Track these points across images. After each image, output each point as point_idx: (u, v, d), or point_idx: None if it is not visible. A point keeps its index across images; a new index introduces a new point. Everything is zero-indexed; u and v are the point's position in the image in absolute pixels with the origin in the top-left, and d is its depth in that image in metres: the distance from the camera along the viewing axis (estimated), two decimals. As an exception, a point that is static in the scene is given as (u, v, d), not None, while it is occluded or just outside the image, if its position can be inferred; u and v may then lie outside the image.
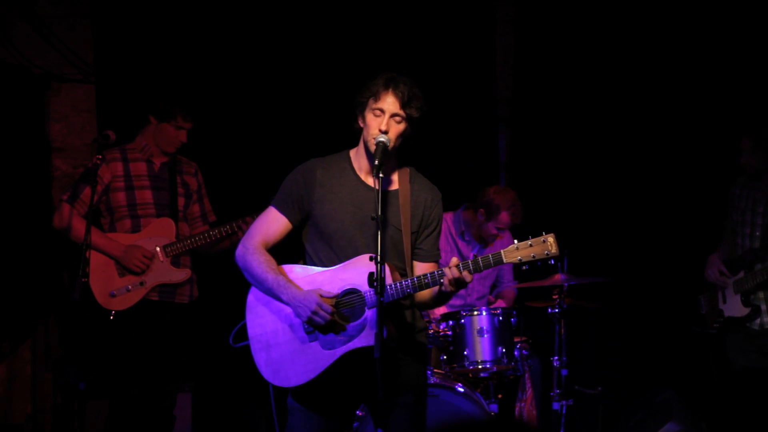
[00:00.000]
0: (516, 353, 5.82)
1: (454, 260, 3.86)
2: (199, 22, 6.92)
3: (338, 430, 4.07)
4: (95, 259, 5.55)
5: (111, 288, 5.65)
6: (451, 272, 3.83)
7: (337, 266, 3.98)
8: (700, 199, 6.62)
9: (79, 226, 5.62)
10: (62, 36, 6.80)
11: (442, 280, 3.85)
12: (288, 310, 3.97)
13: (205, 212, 6.01)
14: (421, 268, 4.10)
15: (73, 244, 5.67)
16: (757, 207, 5.57)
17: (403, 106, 3.95)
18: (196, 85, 6.80)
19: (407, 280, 3.88)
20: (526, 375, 6.06)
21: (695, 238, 6.43)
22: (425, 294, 4.02)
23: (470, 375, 5.76)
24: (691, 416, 5.73)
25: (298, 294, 3.92)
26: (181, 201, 5.88)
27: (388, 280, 3.86)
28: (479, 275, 6.37)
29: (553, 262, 3.83)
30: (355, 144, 4.11)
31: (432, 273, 3.88)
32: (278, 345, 4.01)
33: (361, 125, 4.03)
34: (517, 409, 6.13)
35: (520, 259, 3.81)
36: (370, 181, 4.05)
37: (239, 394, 6.80)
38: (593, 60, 7.16)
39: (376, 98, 3.95)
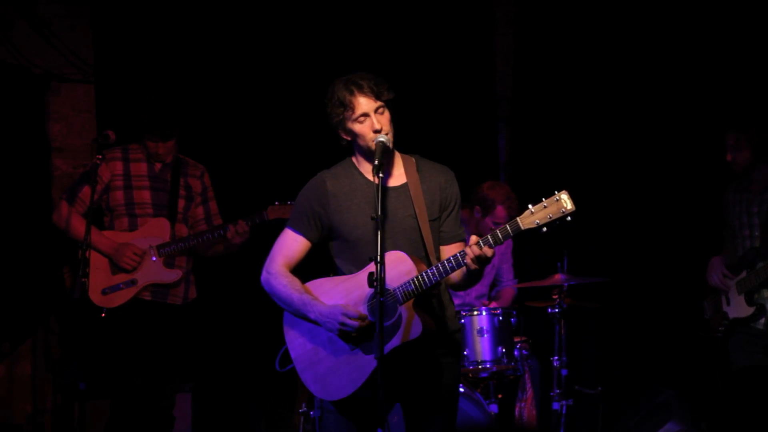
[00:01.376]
0: (516, 353, 5.82)
1: (474, 238, 3.81)
2: (199, 22, 6.92)
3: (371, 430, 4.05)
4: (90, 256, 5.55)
5: (103, 285, 5.65)
6: (472, 251, 3.77)
7: (360, 271, 3.95)
8: (700, 198, 6.62)
9: (77, 225, 5.63)
10: (62, 36, 6.80)
11: (465, 260, 3.79)
12: None
13: (210, 215, 5.99)
14: (447, 251, 4.04)
15: (73, 242, 5.68)
16: (751, 207, 5.58)
17: (378, 97, 3.92)
18: (196, 85, 6.80)
19: (432, 268, 3.83)
20: (526, 375, 6.06)
21: (695, 238, 6.44)
22: (456, 276, 3.96)
23: (470, 375, 5.76)
24: (691, 416, 5.73)
25: (324, 310, 3.91)
26: (181, 203, 5.87)
27: (413, 273, 3.84)
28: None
29: (570, 219, 3.72)
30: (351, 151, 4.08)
31: (455, 256, 3.82)
32: (321, 360, 3.98)
33: (348, 138, 4.00)
34: (517, 409, 6.13)
35: (537, 223, 3.71)
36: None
37: (239, 394, 6.81)
38: (593, 60, 7.16)
39: (351, 108, 3.91)
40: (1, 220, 6.49)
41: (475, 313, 5.76)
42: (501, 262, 6.51)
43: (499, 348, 5.72)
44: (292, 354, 4.07)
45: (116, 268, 5.69)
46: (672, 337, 6.65)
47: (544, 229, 3.73)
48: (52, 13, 6.81)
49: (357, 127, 3.94)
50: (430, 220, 4.00)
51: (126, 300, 5.67)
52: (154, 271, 5.73)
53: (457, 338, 4.10)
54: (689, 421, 5.68)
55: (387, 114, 3.96)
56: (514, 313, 5.87)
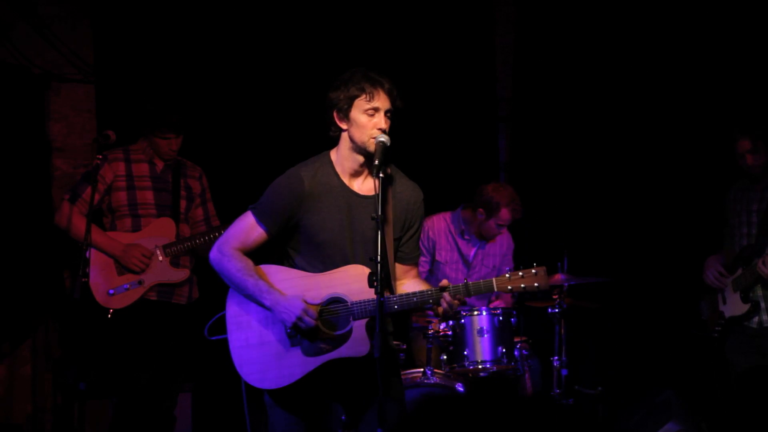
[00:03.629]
0: (516, 353, 5.82)
1: (444, 282, 3.86)
2: (199, 23, 6.91)
3: (317, 427, 4.06)
4: (95, 257, 5.56)
5: (110, 286, 5.65)
6: (445, 300, 3.83)
7: (322, 273, 3.95)
8: (699, 198, 6.62)
9: (79, 225, 5.62)
10: (62, 36, 6.80)
11: (435, 304, 3.86)
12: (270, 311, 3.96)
13: (208, 216, 6.00)
14: (401, 270, 4.07)
15: (74, 243, 5.68)
16: (751, 206, 5.58)
17: (393, 102, 3.95)
18: (196, 85, 6.80)
19: (396, 297, 3.87)
20: (527, 375, 6.06)
21: (695, 238, 6.44)
22: None
23: (470, 375, 5.76)
24: (691, 416, 5.73)
25: (282, 299, 3.90)
26: (182, 203, 5.88)
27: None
28: (478, 275, 6.39)
29: (539, 295, 3.87)
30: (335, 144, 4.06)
31: (422, 293, 3.86)
32: (258, 346, 3.98)
33: (344, 126, 3.97)
34: (517, 409, 6.12)
35: (510, 288, 3.84)
36: (354, 185, 4.01)
37: (239, 394, 6.79)
38: (593, 60, 7.17)
39: (370, 97, 3.91)
40: (1, 220, 6.48)
41: (476, 313, 5.77)
42: (502, 264, 6.51)
43: (500, 348, 5.72)
44: (229, 328, 4.04)
45: (122, 269, 5.69)
46: (672, 337, 6.65)
47: (514, 295, 3.90)
48: (52, 13, 6.80)
49: (362, 119, 3.92)
50: (394, 239, 4.01)
51: (133, 301, 5.67)
52: (161, 271, 5.73)
53: (396, 359, 4.22)
54: (689, 421, 5.68)
55: (389, 121, 3.96)
56: (515, 313, 5.87)
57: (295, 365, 3.92)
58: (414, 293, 3.86)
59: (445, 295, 3.82)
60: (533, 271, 3.82)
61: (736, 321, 5.58)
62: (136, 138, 5.89)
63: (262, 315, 3.97)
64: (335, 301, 3.91)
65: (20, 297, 6.52)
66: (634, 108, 7.05)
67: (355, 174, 4.01)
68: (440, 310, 3.87)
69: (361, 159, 3.97)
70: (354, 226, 3.92)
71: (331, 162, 4.03)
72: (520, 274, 3.83)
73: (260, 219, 4.00)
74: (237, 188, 6.61)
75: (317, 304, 3.91)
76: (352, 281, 3.84)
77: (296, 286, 3.93)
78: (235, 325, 4.03)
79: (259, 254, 4.07)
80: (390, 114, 3.95)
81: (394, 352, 4.19)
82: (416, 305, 3.88)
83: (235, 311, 4.04)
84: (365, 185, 4.02)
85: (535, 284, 3.81)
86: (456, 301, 3.82)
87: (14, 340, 6.65)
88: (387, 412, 3.86)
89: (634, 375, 6.92)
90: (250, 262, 3.99)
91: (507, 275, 3.84)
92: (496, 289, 3.83)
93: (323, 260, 3.95)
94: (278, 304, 3.89)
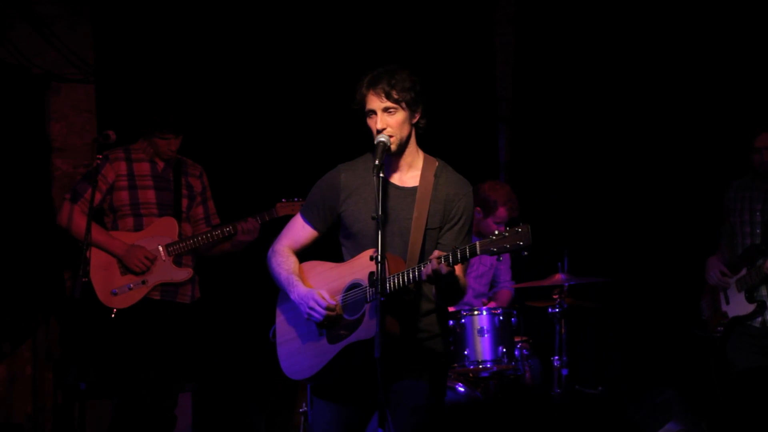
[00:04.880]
0: (516, 353, 5.83)
1: (436, 253, 3.82)
2: (199, 22, 6.92)
3: (357, 421, 4.04)
4: (98, 257, 5.56)
5: (113, 286, 5.65)
6: (431, 264, 3.78)
7: (347, 261, 4.03)
8: (699, 198, 6.62)
9: (81, 224, 5.61)
10: (62, 36, 6.80)
11: (422, 272, 3.80)
12: None
13: (208, 215, 6.01)
14: None
15: (74, 243, 5.68)
16: (755, 205, 5.57)
17: (388, 97, 3.93)
18: (197, 85, 6.80)
19: (398, 275, 3.84)
20: (527, 375, 6.07)
21: (695, 238, 6.44)
22: (433, 289, 3.99)
23: (470, 375, 5.76)
24: (691, 416, 5.73)
25: (302, 292, 3.99)
26: (184, 202, 5.88)
27: (386, 274, 3.83)
28: (475, 273, 6.40)
29: (525, 253, 3.75)
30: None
31: (417, 266, 3.83)
32: (294, 339, 4.08)
33: None
34: (517, 409, 6.13)
35: (494, 250, 3.74)
36: (394, 178, 4.05)
37: (239, 394, 6.81)
38: (593, 59, 7.17)
39: (363, 102, 3.97)
40: (1, 220, 6.48)
41: (476, 312, 5.77)
42: (500, 262, 6.51)
43: (500, 348, 5.73)
44: (277, 327, 4.17)
45: (125, 268, 5.69)
46: (672, 337, 6.66)
47: (500, 258, 3.83)
48: (52, 13, 6.81)
49: (367, 121, 3.99)
50: (428, 228, 4.00)
51: (136, 300, 5.67)
52: (164, 270, 5.73)
53: (433, 355, 4.01)
54: (689, 421, 5.68)
55: (399, 115, 3.96)
56: (515, 312, 5.88)
57: (322, 353, 3.97)
58: (411, 269, 3.84)
59: (432, 260, 3.78)
60: (517, 229, 3.72)
61: (740, 321, 5.57)
62: (136, 138, 5.89)
63: (297, 310, 4.06)
64: (354, 286, 3.95)
65: (20, 297, 6.53)
66: (634, 108, 7.05)
67: (394, 169, 4.04)
68: (424, 273, 3.79)
69: (391, 156, 4.00)
70: (389, 217, 3.95)
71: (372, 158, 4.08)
72: (504, 233, 3.73)
73: (304, 214, 4.14)
74: (237, 188, 6.63)
75: (339, 292, 3.96)
76: (368, 265, 3.84)
77: (325, 278, 4.04)
78: (279, 323, 4.16)
79: (318, 248, 4.18)
80: (393, 109, 3.94)
81: (431, 354, 4.04)
82: (413, 279, 3.82)
83: (280, 308, 4.18)
84: (406, 177, 4.05)
85: (519, 242, 3.69)
86: (444, 265, 3.75)
87: (14, 340, 6.66)
88: (401, 414, 3.87)
89: (634, 375, 6.92)
90: (291, 258, 4.12)
91: (491, 237, 3.75)
92: (479, 252, 3.74)
93: (357, 249, 4.01)
94: (299, 297, 4.00)
